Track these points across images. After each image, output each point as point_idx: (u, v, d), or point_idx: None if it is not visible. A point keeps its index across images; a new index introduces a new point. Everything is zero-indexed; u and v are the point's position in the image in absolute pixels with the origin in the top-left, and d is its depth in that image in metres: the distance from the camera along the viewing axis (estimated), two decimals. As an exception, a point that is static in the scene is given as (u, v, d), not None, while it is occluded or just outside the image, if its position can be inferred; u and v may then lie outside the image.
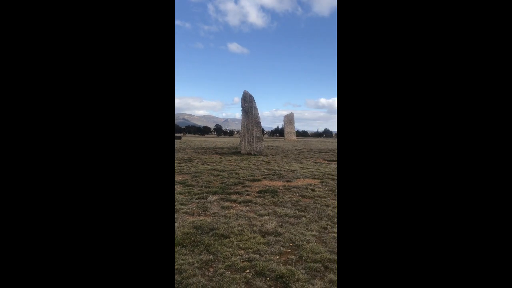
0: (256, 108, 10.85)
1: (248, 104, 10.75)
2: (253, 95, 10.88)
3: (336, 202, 4.06)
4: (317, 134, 54.45)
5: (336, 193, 4.60)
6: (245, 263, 2.21)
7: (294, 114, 28.29)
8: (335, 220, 3.26)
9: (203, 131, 56.36)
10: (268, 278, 2.01)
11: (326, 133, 54.09)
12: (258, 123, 10.90)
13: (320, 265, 2.19)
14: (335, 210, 3.64)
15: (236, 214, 3.39)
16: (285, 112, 28.82)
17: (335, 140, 36.23)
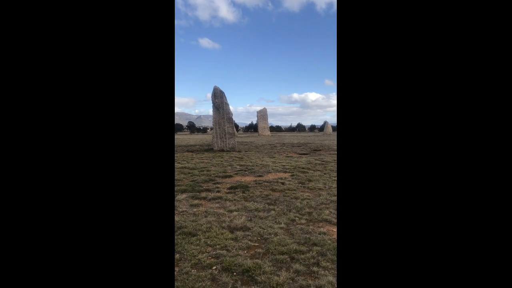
0: (227, 104, 10.76)
1: (219, 100, 10.63)
2: (226, 90, 10.77)
3: (305, 193, 4.15)
4: (290, 129, 55.34)
5: (305, 185, 4.71)
6: (212, 259, 2.19)
7: (268, 110, 28.40)
8: (303, 211, 3.33)
9: (176, 128, 55.05)
10: (234, 273, 2.01)
11: (299, 128, 55.13)
12: (230, 119, 10.82)
13: (287, 256, 2.23)
14: (304, 201, 3.72)
15: (205, 212, 3.35)
16: (259, 108, 28.96)
17: (308, 134, 36.98)
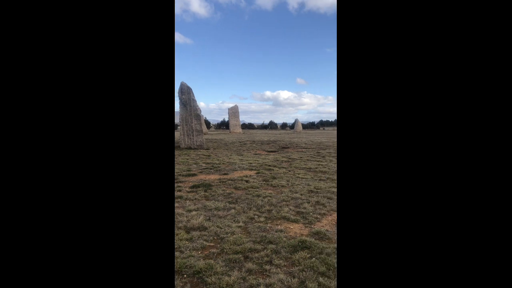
0: (194, 100, 10.52)
1: (186, 96, 10.36)
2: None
3: (267, 191, 4.17)
4: (263, 126, 55.70)
5: (269, 182, 4.73)
6: (163, 262, 2.11)
7: (241, 107, 28.28)
8: (263, 209, 3.34)
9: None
10: (185, 275, 1.94)
11: (271, 125, 55.68)
12: (197, 116, 10.60)
13: (241, 255, 2.21)
14: (265, 199, 3.73)
15: (163, 212, 3.23)
16: (231, 105, 28.70)
17: (279, 131, 37.44)
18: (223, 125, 46.88)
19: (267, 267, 2.04)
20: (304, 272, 1.96)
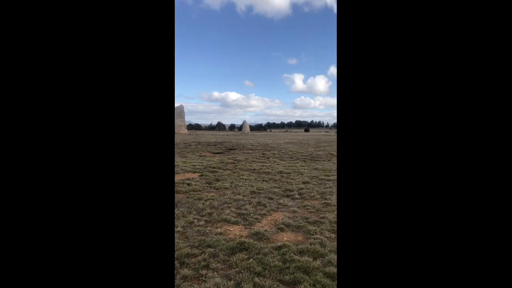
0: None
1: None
2: None
3: (210, 194, 4.11)
4: (210, 127, 54.91)
5: (212, 185, 4.67)
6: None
7: (188, 107, 27.49)
8: (204, 212, 3.27)
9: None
10: None
11: (219, 126, 55.25)
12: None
13: (176, 262, 2.12)
14: (207, 202, 3.67)
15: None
16: (176, 104, 27.61)
17: (227, 133, 37.35)
18: (169, 126, 44.84)
19: (204, 271, 2.00)
20: (240, 274, 1.97)
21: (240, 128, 41.85)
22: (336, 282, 1.87)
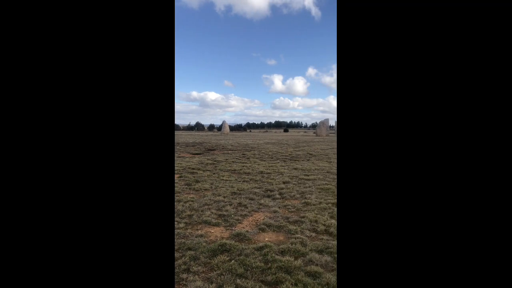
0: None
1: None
2: None
3: (189, 195, 4.03)
4: (189, 128, 54.06)
5: (192, 186, 4.59)
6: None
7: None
8: (184, 215, 3.21)
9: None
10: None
11: (198, 127, 54.54)
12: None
13: (155, 267, 2.06)
14: (187, 204, 3.60)
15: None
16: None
17: (206, 133, 36.92)
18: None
19: (184, 275, 1.95)
20: (222, 276, 1.95)
21: (220, 128, 41.55)
22: (317, 280, 1.90)
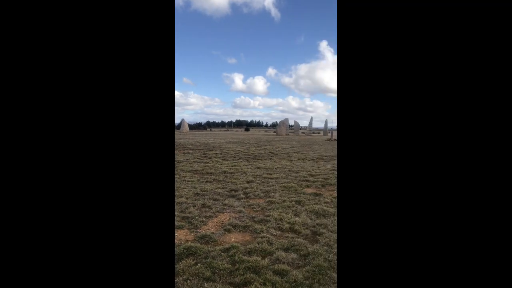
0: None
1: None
2: None
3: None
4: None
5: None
6: None
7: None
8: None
9: None
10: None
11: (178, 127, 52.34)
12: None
13: (115, 276, 1.91)
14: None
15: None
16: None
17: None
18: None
19: (147, 283, 1.84)
20: (189, 281, 1.88)
21: (179, 126, 40.24)
22: (284, 278, 1.93)
